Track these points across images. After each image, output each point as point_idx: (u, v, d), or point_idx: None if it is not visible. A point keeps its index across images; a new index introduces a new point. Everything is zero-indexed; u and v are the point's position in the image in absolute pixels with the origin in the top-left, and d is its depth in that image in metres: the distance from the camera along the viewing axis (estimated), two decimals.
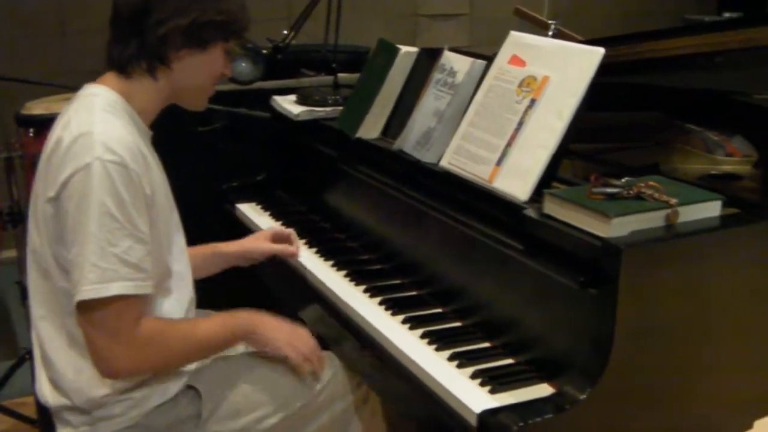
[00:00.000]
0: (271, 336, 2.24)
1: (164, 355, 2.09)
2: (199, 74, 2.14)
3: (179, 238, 2.20)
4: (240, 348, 2.46)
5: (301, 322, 2.54)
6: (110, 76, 2.11)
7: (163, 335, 2.07)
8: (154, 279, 2.02)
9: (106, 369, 2.03)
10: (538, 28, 3.14)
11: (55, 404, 2.12)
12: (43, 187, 2.01)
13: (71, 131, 1.96)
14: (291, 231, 2.67)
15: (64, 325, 2.07)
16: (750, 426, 2.04)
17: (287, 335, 2.26)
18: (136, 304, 1.99)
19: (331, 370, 2.33)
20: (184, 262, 2.20)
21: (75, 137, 1.94)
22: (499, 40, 2.28)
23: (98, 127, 1.95)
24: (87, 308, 1.94)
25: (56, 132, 2.02)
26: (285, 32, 3.38)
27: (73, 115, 2.01)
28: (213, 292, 2.42)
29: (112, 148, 1.92)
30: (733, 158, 2.55)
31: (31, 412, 3.42)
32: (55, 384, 2.11)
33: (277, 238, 2.64)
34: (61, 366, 2.08)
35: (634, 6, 6.78)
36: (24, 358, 3.53)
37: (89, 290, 1.91)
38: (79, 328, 2.03)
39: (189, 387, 2.18)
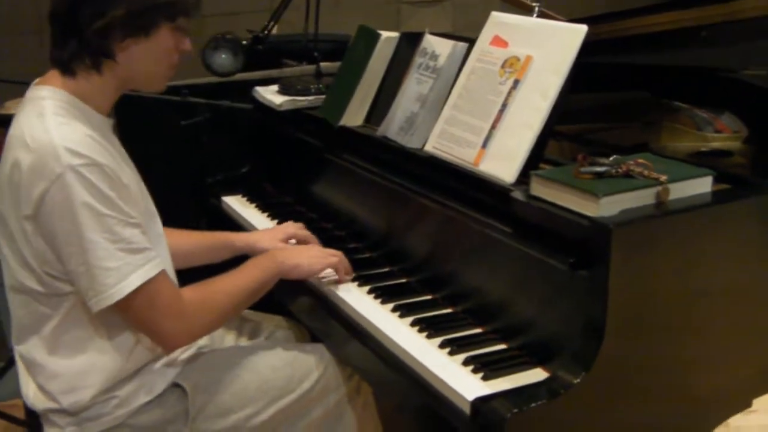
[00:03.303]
0: (301, 261, 2.30)
1: (216, 313, 2.13)
2: (148, 61, 2.04)
3: (155, 224, 2.17)
4: (230, 341, 2.44)
5: (289, 313, 2.52)
6: (55, 75, 2.03)
7: (208, 297, 2.12)
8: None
9: (168, 345, 2.10)
10: (522, 11, 3.10)
11: (42, 408, 2.10)
12: (11, 206, 1.96)
13: (29, 146, 1.90)
14: (309, 235, 2.57)
15: (45, 334, 2.05)
16: (749, 405, 2.02)
17: (313, 253, 2.35)
18: (163, 280, 2.00)
19: (323, 363, 2.30)
20: (162, 247, 2.17)
21: (36, 150, 1.88)
22: (480, 25, 2.24)
23: (54, 133, 1.89)
24: (121, 306, 1.95)
25: (12, 147, 1.96)
26: (266, 23, 3.35)
27: (25, 126, 1.94)
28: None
29: (78, 151, 1.87)
30: (722, 135, 2.53)
31: (21, 413, 3.38)
32: (42, 388, 2.09)
33: (291, 237, 2.57)
34: (46, 372, 2.07)
35: None
36: (13, 360, 3.49)
37: (113, 293, 1.92)
38: (58, 336, 2.04)
39: (176, 385, 2.16)
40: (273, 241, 2.53)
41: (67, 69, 2.00)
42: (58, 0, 1.99)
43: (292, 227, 2.60)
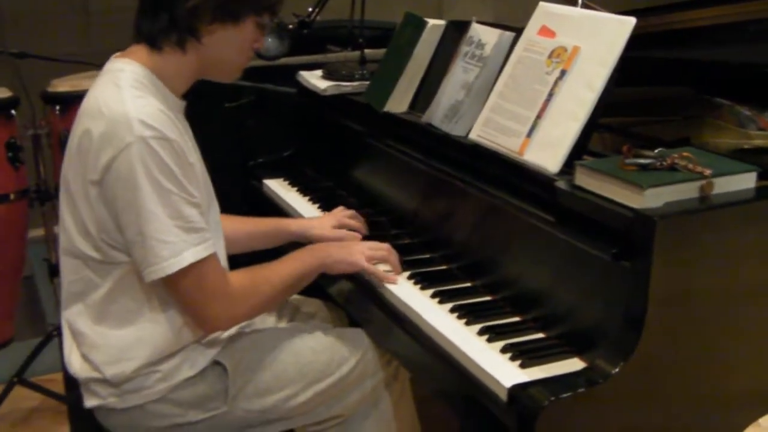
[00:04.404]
0: (344, 257, 2.29)
1: (258, 301, 2.16)
2: (230, 48, 2.09)
3: (214, 211, 2.20)
4: (270, 322, 2.46)
5: (329, 296, 2.53)
6: (139, 50, 2.07)
7: (253, 285, 2.14)
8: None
9: (209, 328, 2.14)
10: (565, 2, 3.10)
11: (85, 376, 2.13)
12: (78, 171, 2.00)
13: (103, 113, 1.94)
14: (360, 226, 2.59)
15: (93, 303, 2.09)
16: None
17: (358, 249, 2.32)
18: (213, 263, 2.03)
19: (361, 348, 2.31)
20: (218, 234, 2.20)
21: (110, 119, 1.92)
22: (523, 16, 2.25)
23: (130, 104, 1.93)
24: (170, 282, 2.00)
25: (85, 116, 2.00)
26: (310, 9, 3.35)
27: (100, 95, 1.99)
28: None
29: (150, 124, 1.91)
30: (765, 132, 2.52)
31: (59, 388, 3.44)
32: (86, 358, 2.12)
33: (343, 225, 2.57)
34: (91, 341, 2.11)
35: None
36: (52, 335, 3.54)
37: (165, 266, 1.95)
38: (106, 305, 2.07)
39: (217, 363, 2.18)
40: (325, 228, 2.54)
41: (153, 43, 2.05)
42: None
43: (343, 215, 2.60)
